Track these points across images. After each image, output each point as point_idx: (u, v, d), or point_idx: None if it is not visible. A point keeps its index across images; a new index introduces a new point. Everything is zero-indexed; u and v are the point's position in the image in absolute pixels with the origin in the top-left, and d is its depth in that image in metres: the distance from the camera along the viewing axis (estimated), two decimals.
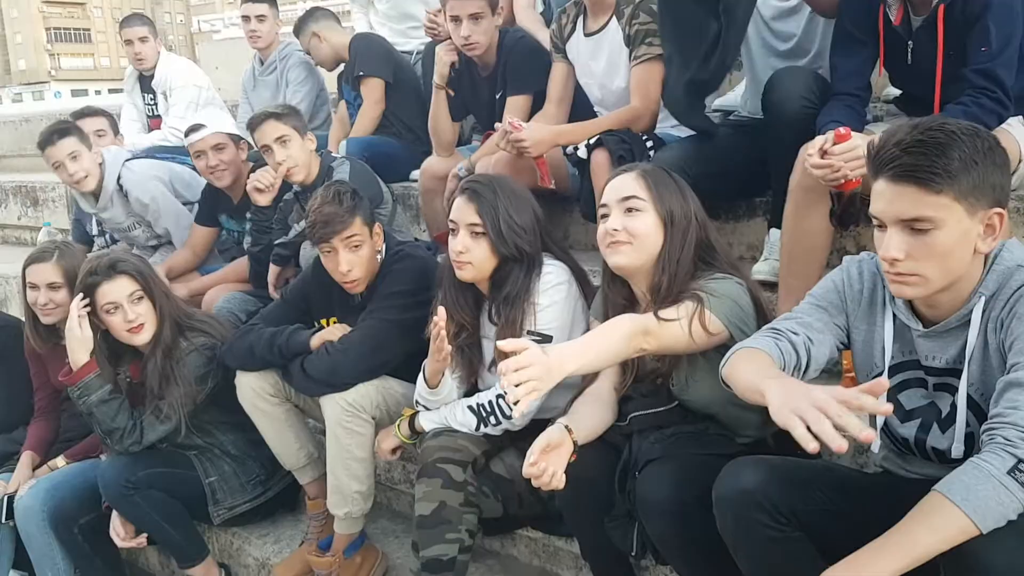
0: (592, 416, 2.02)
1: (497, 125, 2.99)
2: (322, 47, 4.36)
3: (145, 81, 5.11)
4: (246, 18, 4.74)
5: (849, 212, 2.23)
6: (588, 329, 2.25)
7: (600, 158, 2.77)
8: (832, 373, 2.11)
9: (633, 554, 2.04)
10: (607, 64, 3.07)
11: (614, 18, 3.02)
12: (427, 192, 3.60)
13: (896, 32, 2.40)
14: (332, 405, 2.52)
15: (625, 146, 2.79)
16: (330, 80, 4.85)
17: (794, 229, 2.36)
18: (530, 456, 1.82)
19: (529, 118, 3.20)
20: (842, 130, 2.09)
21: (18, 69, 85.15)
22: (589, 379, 2.10)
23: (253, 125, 3.26)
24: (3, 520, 3.00)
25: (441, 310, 2.21)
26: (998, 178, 1.49)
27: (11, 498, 2.99)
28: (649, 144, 2.89)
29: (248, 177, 3.34)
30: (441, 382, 2.37)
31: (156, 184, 3.89)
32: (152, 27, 5.11)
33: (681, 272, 1.98)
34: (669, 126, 2.98)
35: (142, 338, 2.75)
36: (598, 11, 3.05)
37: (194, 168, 3.76)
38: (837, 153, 2.08)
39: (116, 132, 4.36)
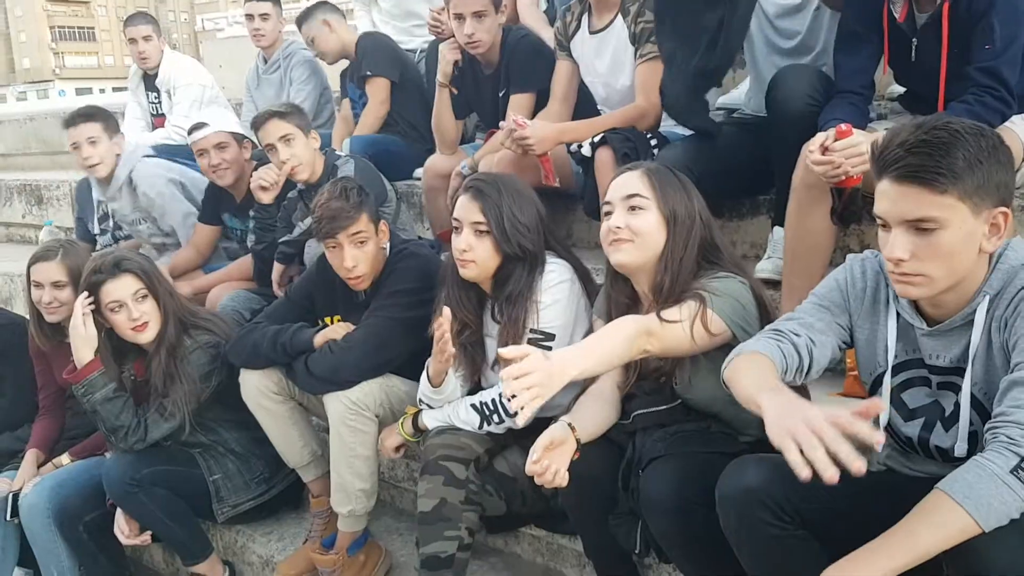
0: (595, 414, 2.03)
1: (502, 124, 2.99)
2: (330, 38, 4.34)
3: (149, 80, 5.11)
4: (250, 16, 4.74)
5: (850, 210, 2.23)
6: (591, 327, 2.26)
7: (604, 156, 2.77)
8: (836, 372, 2.12)
9: (636, 552, 2.04)
10: (612, 62, 3.07)
11: (619, 16, 3.02)
12: (430, 190, 3.61)
13: (900, 29, 2.40)
14: (336, 403, 2.52)
15: (629, 144, 2.79)
16: (332, 78, 4.85)
17: (797, 227, 2.36)
18: (533, 454, 1.82)
19: (532, 116, 3.20)
20: (843, 127, 2.09)
21: (22, 68, 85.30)
22: (592, 377, 2.10)
23: (257, 124, 3.26)
24: (8, 518, 3.01)
25: (445, 311, 2.21)
26: (1003, 177, 1.48)
27: (16, 496, 3.00)
28: (653, 142, 2.89)
29: (251, 176, 3.35)
30: (444, 381, 2.37)
31: (165, 183, 3.90)
32: (156, 25, 5.11)
33: (684, 271, 1.97)
34: (673, 124, 2.98)
35: (146, 336, 2.76)
36: (603, 9, 3.05)
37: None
38: (838, 150, 2.08)
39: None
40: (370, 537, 2.72)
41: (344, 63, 4.53)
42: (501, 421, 2.32)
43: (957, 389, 1.60)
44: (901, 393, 1.69)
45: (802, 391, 1.95)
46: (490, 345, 2.42)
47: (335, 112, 4.79)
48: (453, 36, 3.42)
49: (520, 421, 1.63)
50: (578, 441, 1.91)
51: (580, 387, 2.12)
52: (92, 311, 2.74)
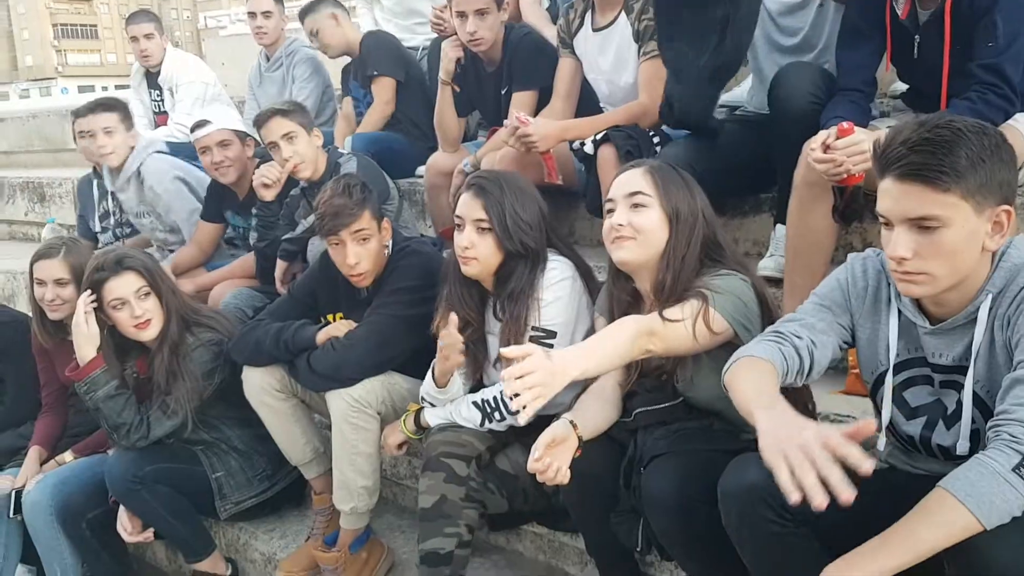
0: (597, 412, 2.03)
1: (506, 122, 2.99)
2: (336, 32, 4.31)
3: (151, 77, 5.12)
4: (252, 14, 4.74)
5: (852, 208, 2.23)
6: (593, 325, 2.26)
7: (607, 154, 2.77)
8: (838, 370, 2.12)
9: (638, 550, 2.04)
10: (615, 59, 3.07)
11: (623, 13, 3.01)
12: (432, 188, 3.61)
13: (903, 26, 2.39)
14: (338, 401, 2.52)
15: (632, 142, 2.79)
16: (334, 75, 4.84)
17: (798, 225, 2.35)
18: (535, 452, 1.82)
19: (535, 114, 3.20)
20: (845, 125, 2.09)
21: (25, 65, 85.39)
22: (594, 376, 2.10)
23: (259, 122, 3.26)
24: (11, 515, 3.01)
25: (453, 317, 2.20)
26: (1005, 175, 1.48)
27: (19, 493, 3.00)
28: (656, 140, 2.88)
29: (254, 173, 3.35)
30: (449, 382, 2.38)
31: (172, 179, 3.91)
32: (158, 23, 5.11)
33: (686, 269, 1.97)
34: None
35: (149, 334, 2.76)
36: (607, 6, 3.05)
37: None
38: (840, 148, 2.08)
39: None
40: (372, 535, 2.72)
41: (343, 60, 4.52)
42: (502, 419, 2.32)
43: (959, 387, 1.60)
44: (903, 392, 1.68)
45: (804, 390, 1.96)
46: (492, 342, 2.42)
47: (337, 110, 4.79)
48: (455, 34, 3.42)
49: (522, 420, 1.63)
50: (580, 439, 1.91)
51: (582, 385, 2.12)
52: (94, 309, 2.74)
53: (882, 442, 1.74)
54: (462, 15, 3.29)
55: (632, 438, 2.05)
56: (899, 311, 1.67)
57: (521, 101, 3.32)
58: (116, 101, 4.01)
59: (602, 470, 2.01)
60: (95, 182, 4.36)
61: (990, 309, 1.54)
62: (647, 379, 2.07)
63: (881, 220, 1.54)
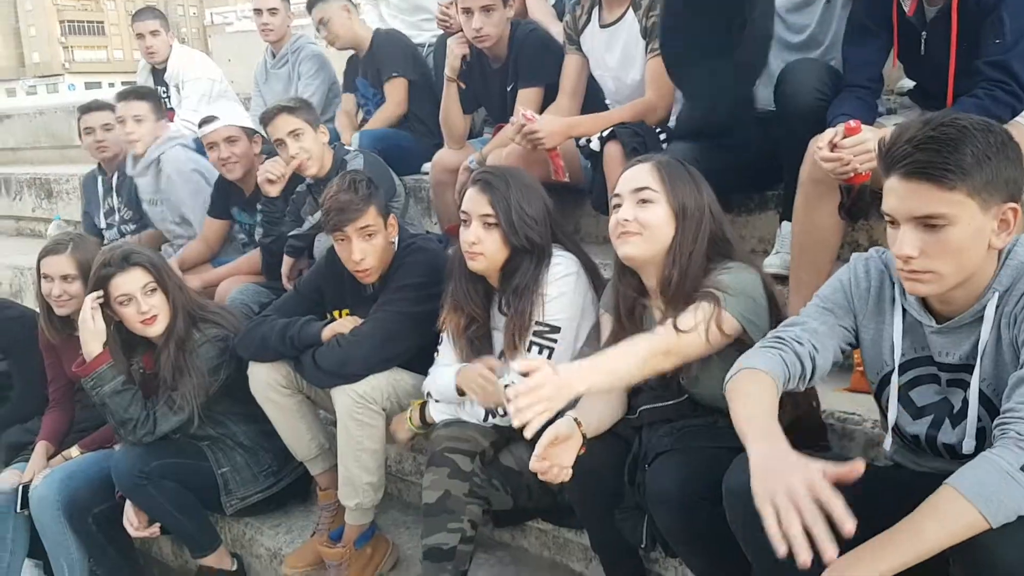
0: (601, 409, 2.03)
1: (512, 119, 2.99)
2: (347, 23, 4.29)
3: (158, 74, 5.12)
4: (258, 11, 4.74)
5: (858, 205, 2.22)
6: (597, 321, 2.26)
7: (613, 150, 2.77)
8: (843, 367, 2.11)
9: (643, 546, 2.04)
10: (622, 56, 3.06)
11: (630, 10, 3.01)
12: (438, 185, 3.61)
13: (910, 23, 2.39)
14: (343, 397, 2.52)
15: (638, 139, 2.78)
16: (339, 71, 4.83)
17: (804, 222, 2.35)
18: (538, 449, 1.83)
19: (541, 111, 3.20)
20: (852, 123, 2.08)
21: (32, 62, 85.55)
22: None
23: (266, 119, 3.27)
24: (18, 509, 3.02)
25: (491, 361, 2.13)
26: (1012, 173, 1.47)
27: (26, 487, 3.01)
28: (663, 137, 2.88)
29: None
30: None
31: (190, 171, 3.93)
32: (164, 20, 5.12)
33: (693, 265, 1.96)
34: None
35: (155, 329, 2.77)
36: (614, 3, 3.04)
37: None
38: (847, 146, 2.07)
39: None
40: (377, 530, 2.72)
41: (342, 56, 4.51)
42: (506, 413, 2.31)
43: (966, 386, 1.60)
44: (909, 391, 1.68)
45: (809, 389, 1.95)
46: (497, 338, 2.42)
47: None
48: (461, 30, 3.42)
49: (528, 434, 1.66)
50: (584, 436, 1.91)
51: None
52: (101, 304, 2.75)
53: (888, 442, 1.74)
54: (468, 11, 3.29)
55: (637, 435, 2.05)
56: (904, 310, 1.67)
57: (527, 97, 3.32)
58: (149, 91, 4.13)
59: (607, 467, 2.02)
60: (100, 179, 4.38)
61: (996, 307, 1.54)
62: (652, 376, 2.07)
63: (887, 219, 1.53)
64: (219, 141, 3.53)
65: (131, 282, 2.73)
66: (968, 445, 1.59)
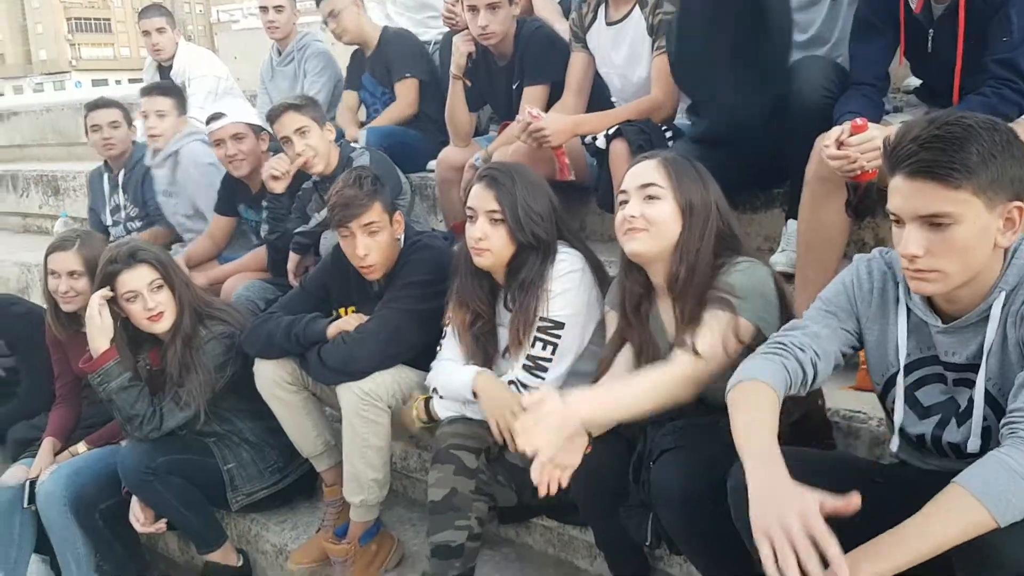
0: None
1: (518, 117, 2.98)
2: (356, 18, 4.26)
3: (164, 71, 5.13)
4: (264, 8, 4.73)
5: (865, 203, 2.22)
6: (602, 318, 2.25)
7: (619, 148, 2.76)
8: (848, 365, 2.11)
9: (647, 544, 2.04)
10: (629, 53, 3.06)
11: (637, 7, 3.00)
12: (444, 182, 3.61)
13: (917, 20, 2.38)
14: (348, 394, 2.53)
15: (644, 136, 2.78)
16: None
17: (810, 220, 2.35)
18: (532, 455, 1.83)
19: (546, 108, 3.19)
20: (859, 121, 2.08)
21: (39, 59, 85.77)
22: (603, 369, 2.10)
23: (272, 117, 3.27)
24: (25, 505, 3.03)
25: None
26: (1017, 171, 1.47)
27: (33, 483, 3.02)
28: (669, 135, 2.88)
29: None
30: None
31: (207, 165, 3.96)
32: (170, 17, 5.13)
33: (700, 262, 1.96)
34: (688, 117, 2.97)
35: (162, 326, 2.78)
36: (620, 0, 3.04)
37: None
38: (854, 144, 2.07)
39: (130, 123, 4.39)
40: (382, 527, 2.73)
41: (346, 54, 4.50)
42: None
43: (973, 385, 1.59)
44: (915, 391, 1.67)
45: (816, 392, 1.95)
46: (502, 334, 2.42)
47: None
48: (467, 28, 3.42)
49: (541, 493, 1.77)
50: (590, 435, 1.91)
51: (591, 379, 2.13)
52: (108, 300, 2.76)
53: (895, 443, 1.73)
54: (474, 9, 3.29)
55: (641, 433, 2.05)
56: (908, 311, 1.66)
57: (533, 95, 3.32)
58: (172, 86, 4.23)
59: (611, 465, 2.02)
60: (106, 176, 4.39)
61: (1003, 306, 1.53)
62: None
63: (892, 218, 1.53)
64: (226, 138, 3.54)
65: (138, 279, 2.74)
66: (973, 444, 1.59)
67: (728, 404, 1.66)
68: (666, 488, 1.80)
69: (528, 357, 2.30)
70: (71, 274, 3.08)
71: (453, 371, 2.39)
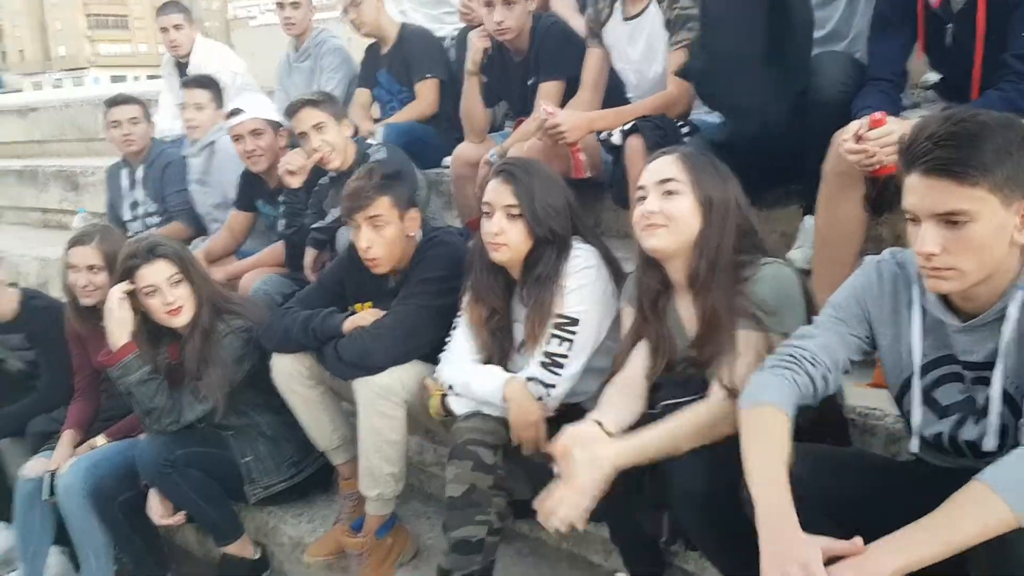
0: (624, 407, 2.01)
1: (534, 114, 2.98)
2: (376, 11, 4.26)
3: (182, 67, 5.16)
4: (280, 5, 4.74)
5: (884, 197, 2.21)
6: (618, 314, 2.25)
7: (635, 144, 2.75)
8: (866, 362, 2.10)
9: (663, 540, 2.04)
10: (645, 49, 3.05)
11: (653, 2, 2.99)
12: (459, 179, 3.60)
13: (936, 15, 2.37)
14: (364, 388, 2.54)
15: (659, 132, 2.76)
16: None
17: (828, 215, 2.33)
18: (558, 461, 1.87)
19: (562, 104, 3.19)
20: (877, 115, 2.07)
21: (58, 55, 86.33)
22: (618, 366, 2.10)
23: (290, 112, 3.29)
24: (45, 497, 3.06)
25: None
26: None
27: (52, 476, 3.05)
28: (685, 130, 2.87)
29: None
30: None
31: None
32: (187, 14, 5.15)
33: (721, 258, 1.94)
34: (705, 112, 2.96)
35: (180, 320, 2.80)
36: None
37: None
38: (872, 138, 2.06)
39: (149, 119, 4.43)
40: (398, 521, 2.74)
41: (359, 51, 4.50)
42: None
43: (990, 384, 1.58)
44: (933, 391, 1.67)
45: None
46: (517, 330, 2.42)
47: None
48: (483, 24, 3.42)
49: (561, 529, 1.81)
50: (609, 435, 1.91)
51: (606, 375, 2.12)
52: (127, 295, 2.78)
53: (914, 445, 1.72)
54: (489, 4, 3.29)
55: None
56: (923, 311, 1.65)
57: (548, 91, 3.32)
58: (209, 79, 4.28)
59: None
60: (125, 172, 4.42)
61: (1020, 305, 1.52)
62: (673, 371, 2.06)
63: (908, 216, 1.52)
64: (244, 134, 3.57)
65: (157, 273, 2.76)
66: (989, 443, 1.58)
67: (739, 424, 1.66)
68: (684, 485, 1.80)
69: (544, 354, 2.30)
70: (90, 268, 3.10)
71: (477, 374, 2.37)
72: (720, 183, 1.99)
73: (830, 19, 2.80)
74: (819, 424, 1.90)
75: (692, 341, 2.01)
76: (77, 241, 3.17)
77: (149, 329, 2.85)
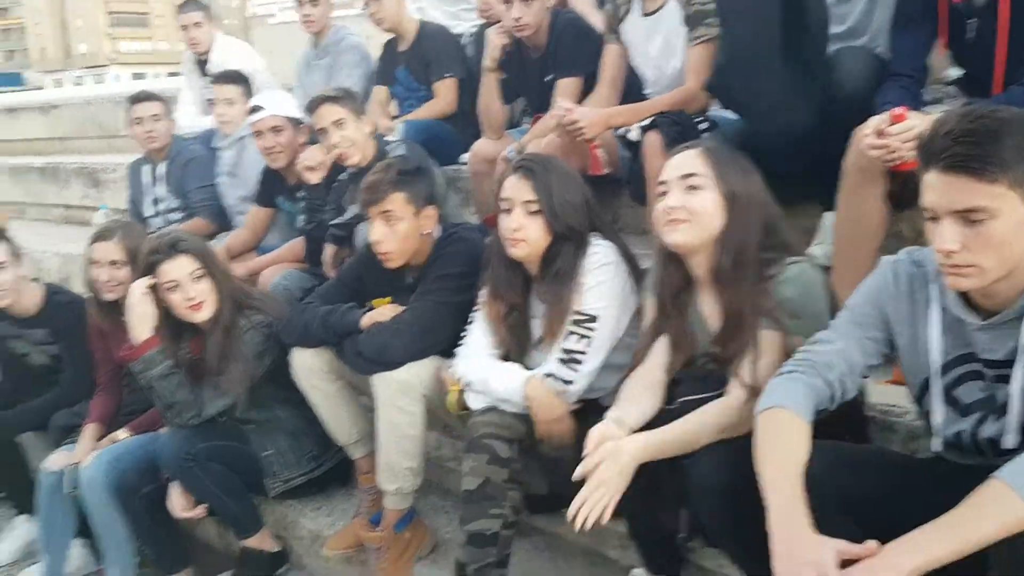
0: (644, 403, 2.01)
1: (551, 112, 2.98)
2: (397, 6, 4.27)
3: (202, 65, 5.20)
4: (300, 2, 4.77)
5: (905, 194, 2.20)
6: (638, 310, 2.25)
7: (653, 140, 2.75)
8: (890, 357, 2.09)
9: (682, 535, 2.04)
10: (663, 45, 3.04)
11: None
12: (476, 175, 3.61)
13: (957, 9, 2.35)
14: (383, 384, 2.55)
15: (677, 128, 2.76)
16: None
17: (849, 211, 2.32)
18: (587, 452, 1.86)
19: (580, 100, 3.19)
20: (898, 110, 2.06)
21: (79, 53, 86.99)
22: (638, 359, 2.09)
23: (310, 108, 3.30)
24: (67, 490, 3.09)
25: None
26: None
27: (75, 469, 3.07)
28: (703, 126, 2.86)
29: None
30: None
31: None
32: (207, 12, 5.18)
33: (746, 253, 1.93)
34: (721, 107, 2.96)
35: (202, 315, 2.82)
36: None
37: None
38: (894, 133, 2.05)
39: (170, 116, 4.46)
40: (416, 515, 2.75)
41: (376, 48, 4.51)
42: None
43: (1011, 381, 1.57)
44: (954, 390, 1.66)
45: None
46: (535, 326, 2.42)
47: None
48: (501, 20, 3.42)
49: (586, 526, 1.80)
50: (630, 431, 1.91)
51: (625, 371, 2.12)
52: (149, 290, 2.81)
53: (937, 444, 1.71)
54: (508, 1, 3.29)
55: None
56: (942, 310, 1.64)
57: (566, 88, 3.32)
58: (240, 75, 4.32)
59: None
60: (147, 168, 4.45)
61: None
62: (693, 367, 2.05)
63: (926, 214, 1.51)
64: (264, 130, 3.59)
65: (178, 269, 2.78)
66: (1009, 440, 1.57)
67: (756, 427, 1.66)
68: (703, 480, 1.80)
69: (563, 350, 2.30)
70: (113, 263, 3.13)
71: (495, 371, 2.37)
72: (744, 178, 1.97)
73: (849, 15, 2.78)
74: (838, 422, 1.89)
75: (714, 337, 2.00)
76: (99, 237, 3.20)
77: (170, 324, 2.87)
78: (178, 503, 2.89)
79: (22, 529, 3.56)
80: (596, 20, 3.51)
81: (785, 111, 2.51)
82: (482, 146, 3.59)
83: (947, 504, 1.39)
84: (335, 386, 2.76)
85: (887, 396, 2.20)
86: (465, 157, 3.80)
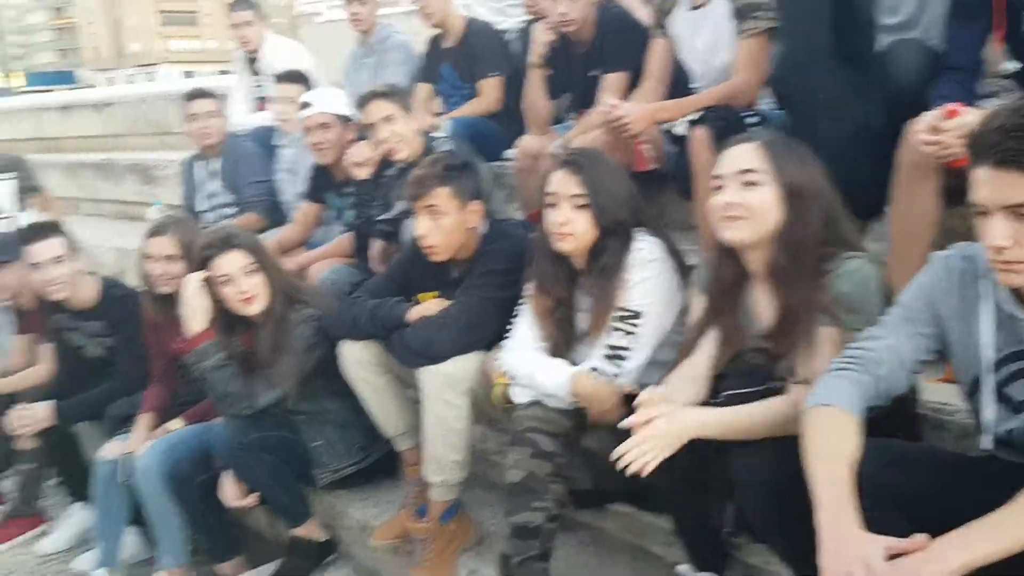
0: (687, 393, 2.00)
1: (598, 108, 2.97)
2: (444, 1, 4.31)
3: (252, 63, 5.28)
4: (347, 0, 4.82)
5: (960, 188, 2.16)
6: (683, 306, 2.24)
7: (700, 135, 2.73)
8: (941, 354, 2.06)
9: (728, 531, 2.03)
10: (711, 39, 3.02)
11: None
12: (522, 171, 3.61)
13: (1015, 3, 2.30)
14: (429, 377, 2.57)
15: (724, 123, 2.74)
16: None
17: (903, 206, 2.28)
18: (636, 418, 1.85)
19: (626, 96, 3.18)
20: (952, 106, 2.02)
21: (131, 51, 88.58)
22: (684, 354, 2.09)
23: (360, 104, 3.34)
24: (121, 479, 3.16)
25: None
26: None
27: (129, 458, 3.14)
28: (751, 120, 2.83)
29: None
30: None
31: None
32: (257, 11, 5.25)
33: (805, 249, 1.88)
34: (770, 101, 2.93)
35: (254, 309, 2.87)
36: None
37: None
38: (948, 129, 2.02)
39: (223, 113, 4.54)
40: (461, 507, 2.77)
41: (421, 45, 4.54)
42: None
43: None
44: (1005, 387, 1.63)
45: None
46: (581, 319, 2.43)
47: None
48: (547, 16, 3.43)
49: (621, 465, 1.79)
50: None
51: (670, 367, 2.12)
52: (203, 283, 2.87)
53: (987, 441, 1.68)
54: None
55: None
56: (994, 306, 1.62)
57: (613, 83, 3.31)
58: (300, 75, 4.35)
59: (692, 451, 2.00)
60: (200, 164, 4.53)
61: None
62: (738, 361, 2.04)
63: (976, 209, 1.49)
64: (313, 127, 3.64)
65: (231, 263, 2.84)
66: None
67: (803, 426, 1.65)
68: (749, 476, 1.79)
69: (608, 346, 2.30)
70: (167, 258, 3.20)
71: (541, 365, 2.37)
72: (804, 170, 1.92)
73: (902, 6, 2.74)
74: (890, 419, 1.87)
75: (765, 332, 1.98)
76: (154, 231, 3.27)
77: (223, 317, 2.92)
78: (230, 492, 2.94)
79: (77, 517, 3.67)
80: (642, 14, 3.49)
81: (843, 108, 2.47)
82: (528, 142, 3.59)
83: (999, 502, 1.38)
84: (383, 379, 2.79)
85: (939, 394, 2.17)
86: (510, 153, 3.81)
